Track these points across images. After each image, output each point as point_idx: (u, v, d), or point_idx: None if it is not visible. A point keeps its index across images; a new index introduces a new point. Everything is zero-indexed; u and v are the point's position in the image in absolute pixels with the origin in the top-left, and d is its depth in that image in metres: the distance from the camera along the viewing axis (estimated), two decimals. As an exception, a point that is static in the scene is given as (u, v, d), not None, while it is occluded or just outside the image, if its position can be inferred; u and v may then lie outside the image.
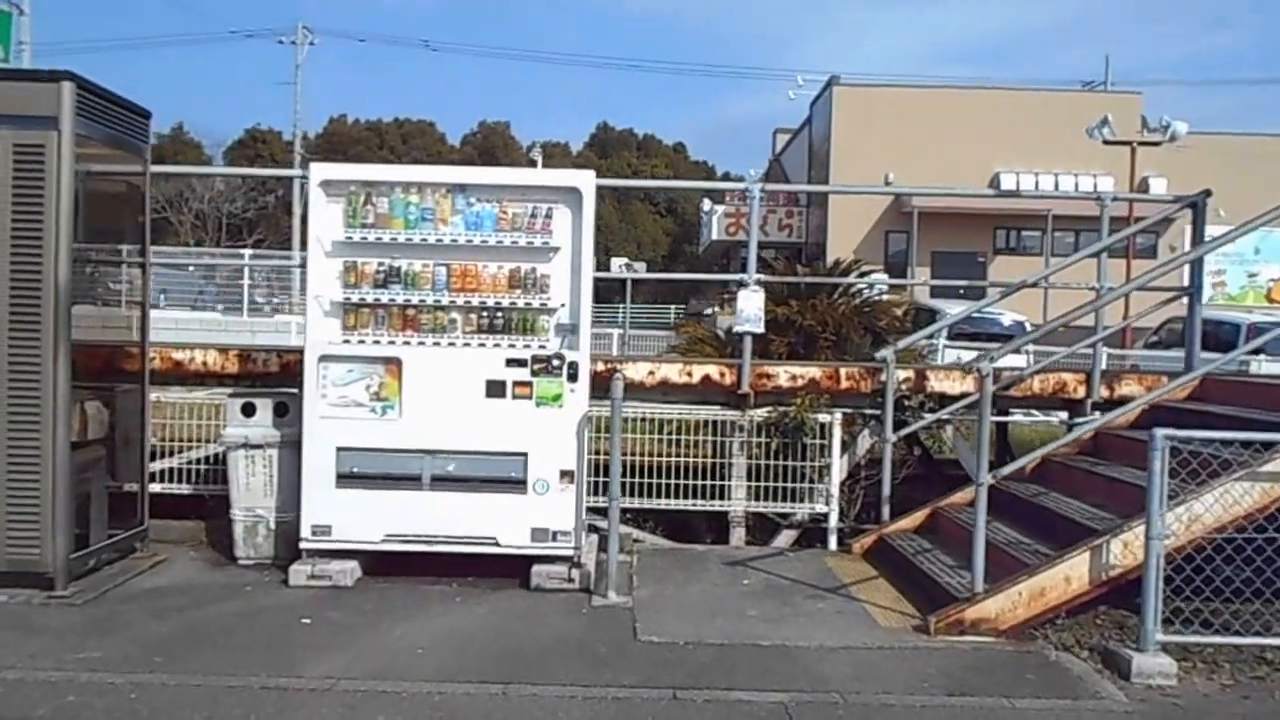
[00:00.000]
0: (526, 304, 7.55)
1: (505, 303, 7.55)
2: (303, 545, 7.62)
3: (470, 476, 7.53)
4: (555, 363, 7.48)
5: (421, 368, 7.54)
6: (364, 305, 7.62)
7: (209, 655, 6.11)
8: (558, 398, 7.47)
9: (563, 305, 7.57)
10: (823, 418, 8.79)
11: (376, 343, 7.60)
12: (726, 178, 70.35)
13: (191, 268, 32.54)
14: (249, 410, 8.22)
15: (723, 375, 8.99)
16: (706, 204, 45.07)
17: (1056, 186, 34.96)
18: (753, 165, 58.57)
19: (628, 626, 6.66)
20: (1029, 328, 21.89)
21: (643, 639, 6.43)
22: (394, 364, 7.56)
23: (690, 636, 6.47)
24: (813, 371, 9.02)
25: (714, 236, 43.53)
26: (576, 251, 7.54)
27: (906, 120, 36.24)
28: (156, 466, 9.13)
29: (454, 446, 7.51)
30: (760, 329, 8.85)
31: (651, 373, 9.00)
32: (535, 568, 7.50)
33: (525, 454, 7.48)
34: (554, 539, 7.49)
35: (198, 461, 9.18)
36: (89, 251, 7.72)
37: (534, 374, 7.48)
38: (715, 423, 9.04)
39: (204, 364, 9.23)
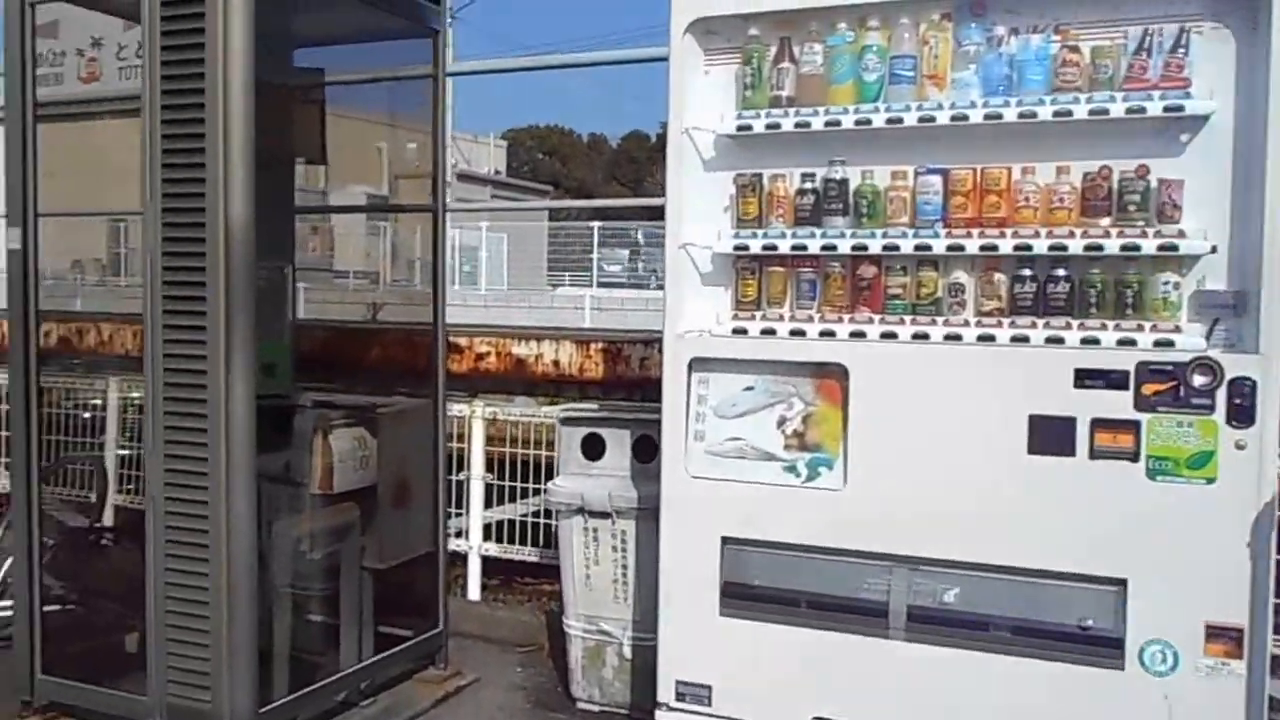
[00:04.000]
0: (1126, 247, 3.43)
1: (1074, 247, 3.47)
2: (661, 716, 4.01)
3: (990, 618, 3.59)
4: (1198, 381, 3.30)
5: (887, 386, 3.67)
6: (773, 260, 3.87)
7: None
8: (1204, 461, 3.30)
9: (1213, 249, 3.38)
10: None
11: (797, 334, 3.82)
12: None
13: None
14: (593, 448, 4.74)
15: None
16: None
17: None
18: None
19: None
20: None
21: None
22: (831, 376, 3.75)
23: None
24: None
25: None
26: (1247, 129, 3.33)
27: None
28: (491, 517, 5.94)
29: (955, 553, 3.60)
30: None
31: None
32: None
33: (1122, 581, 3.41)
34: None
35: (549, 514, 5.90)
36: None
37: (1143, 405, 3.36)
38: None
39: (554, 363, 5.87)
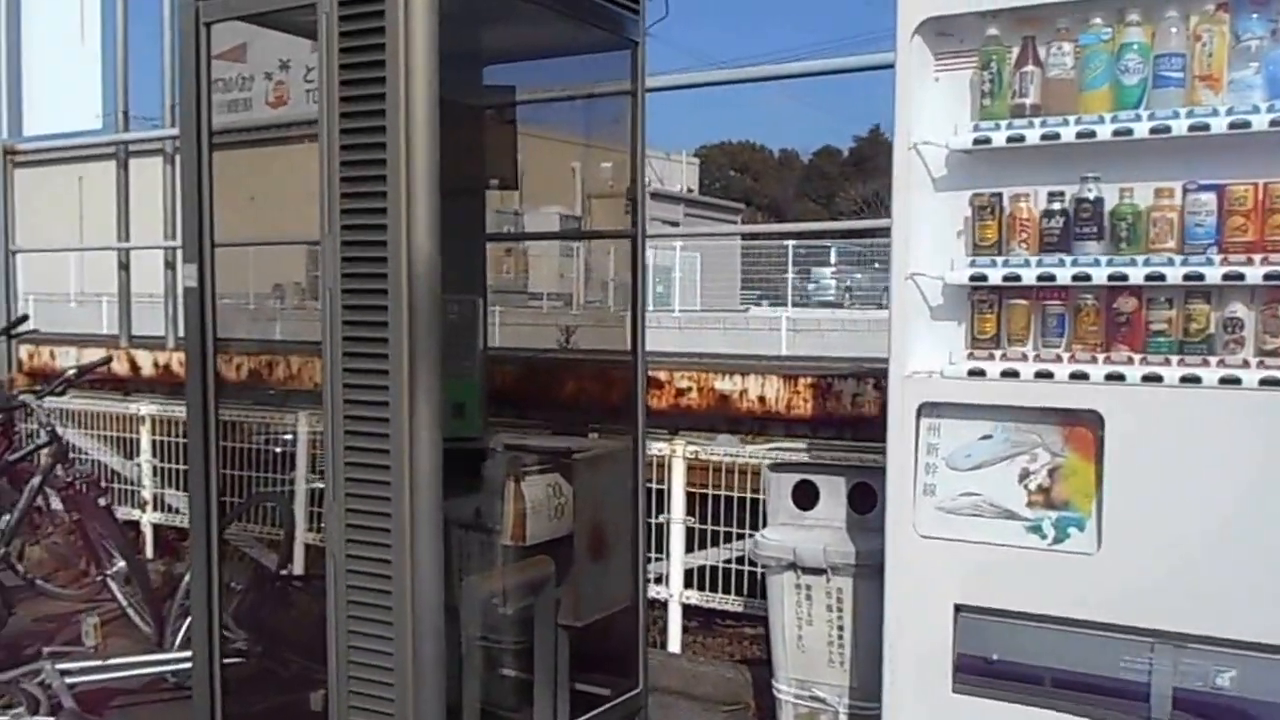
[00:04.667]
0: None
1: (1388, 274, 2.94)
2: (882, 806, 3.60)
3: (1276, 707, 3.07)
4: None
5: (1150, 436, 3.18)
6: (1015, 291, 3.42)
7: None
8: None
9: None
10: None
11: (1043, 376, 3.36)
12: None
13: (877, 265, 29.96)
14: (804, 497, 4.36)
15: None
16: None
17: None
18: None
19: None
20: None
21: None
22: (1083, 424, 3.29)
23: None
24: None
25: None
26: None
27: None
28: (692, 562, 5.58)
29: (1232, 631, 3.10)
30: None
31: None
32: None
33: None
34: None
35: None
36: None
37: None
38: None
39: (759, 399, 5.49)
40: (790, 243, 27.01)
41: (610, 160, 5.00)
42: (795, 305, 26.38)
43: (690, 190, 41.61)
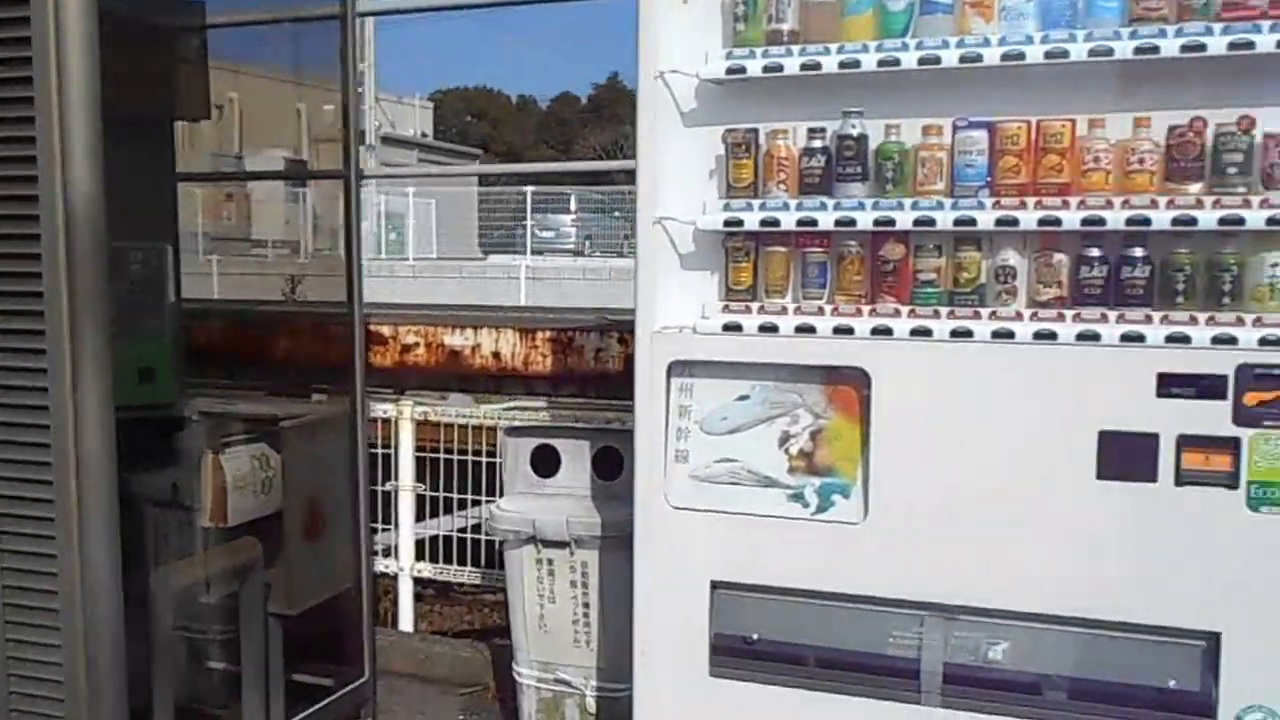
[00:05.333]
0: (1225, 220, 2.69)
1: (1158, 220, 2.73)
2: (637, 800, 3.28)
3: (1047, 679, 2.92)
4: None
5: (918, 395, 2.94)
6: (773, 238, 3.11)
7: None
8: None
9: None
10: None
11: (804, 330, 3.07)
12: None
13: (618, 214, 29.85)
14: (544, 461, 3.99)
15: None
16: None
17: None
18: None
19: None
20: None
21: None
22: (847, 383, 3.01)
23: None
24: None
25: None
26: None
27: None
28: (424, 532, 5.16)
29: (1004, 601, 2.92)
30: None
31: None
32: None
33: (1214, 635, 2.74)
34: None
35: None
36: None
37: (1244, 419, 2.67)
38: None
39: (494, 355, 5.08)
40: (529, 189, 26.52)
41: (334, 103, 4.52)
42: (536, 253, 25.97)
43: (425, 135, 40.44)
